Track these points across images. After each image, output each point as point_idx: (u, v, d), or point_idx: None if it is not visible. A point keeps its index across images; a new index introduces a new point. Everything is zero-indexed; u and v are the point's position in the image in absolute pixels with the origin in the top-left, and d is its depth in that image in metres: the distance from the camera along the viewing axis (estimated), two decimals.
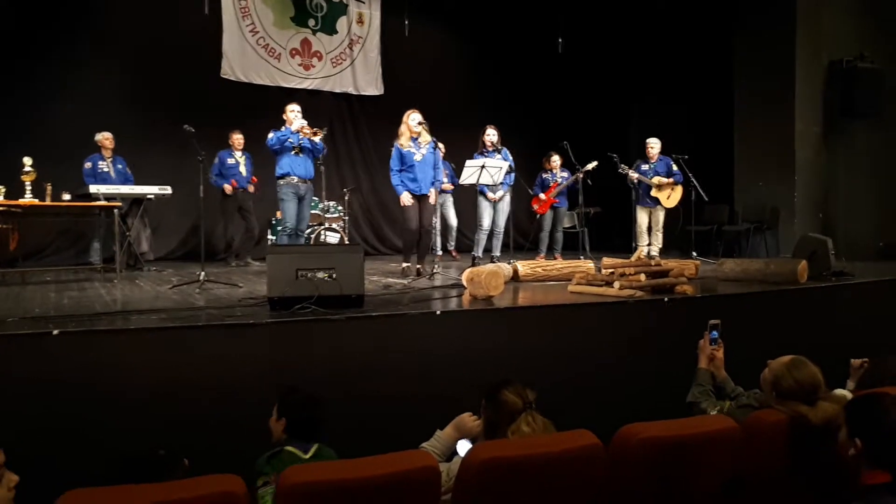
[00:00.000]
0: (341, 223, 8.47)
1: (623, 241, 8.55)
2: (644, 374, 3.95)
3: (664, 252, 7.75)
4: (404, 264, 6.04)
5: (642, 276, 4.68)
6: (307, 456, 2.35)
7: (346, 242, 8.10)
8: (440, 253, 8.22)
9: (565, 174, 8.08)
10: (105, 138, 7.07)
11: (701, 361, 2.99)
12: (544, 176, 8.23)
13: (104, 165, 7.03)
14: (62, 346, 3.03)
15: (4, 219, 6.01)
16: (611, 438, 2.11)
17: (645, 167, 7.78)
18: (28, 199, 5.61)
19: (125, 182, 7.04)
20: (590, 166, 7.66)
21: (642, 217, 7.84)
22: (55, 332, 3.03)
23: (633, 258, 5.36)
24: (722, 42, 8.89)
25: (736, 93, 8.77)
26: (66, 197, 6.15)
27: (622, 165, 7.71)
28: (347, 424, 3.07)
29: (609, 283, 4.68)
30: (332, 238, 8.21)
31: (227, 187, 7.53)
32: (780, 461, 2.24)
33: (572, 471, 2.00)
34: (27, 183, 5.62)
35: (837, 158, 8.45)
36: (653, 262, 5.04)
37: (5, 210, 5.71)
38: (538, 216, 8.16)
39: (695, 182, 7.72)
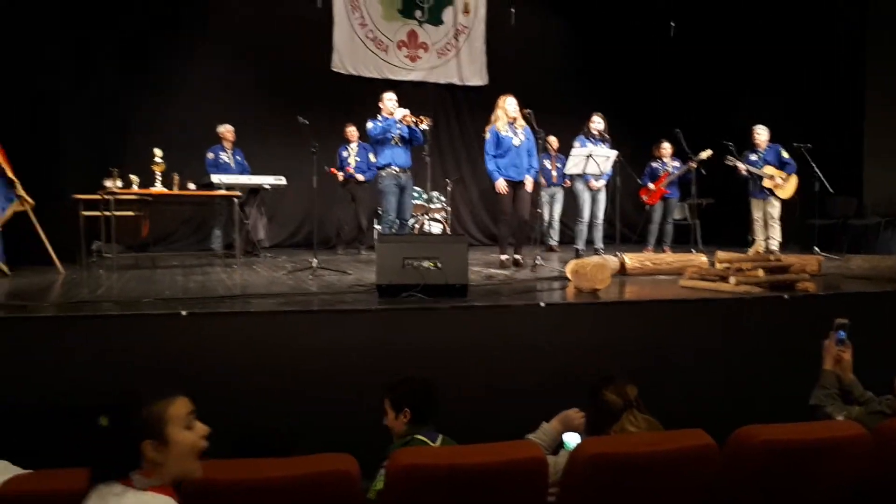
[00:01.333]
0: (444, 213, 8.57)
1: (737, 235, 8.12)
2: (761, 374, 3.76)
3: (783, 246, 7.30)
4: (502, 256, 5.99)
5: (760, 272, 4.44)
6: (435, 444, 2.38)
7: (449, 233, 8.19)
8: (554, 243, 8.19)
9: (676, 163, 7.77)
10: (227, 131, 7.48)
11: (826, 363, 2.80)
12: (654, 165, 7.95)
13: (225, 156, 7.44)
14: (190, 326, 3.26)
15: (138, 207, 6.53)
16: (724, 439, 2.03)
17: (753, 157, 7.34)
18: (158, 188, 6.04)
19: (243, 172, 7.42)
20: (704, 155, 7.33)
21: (756, 209, 7.42)
22: (184, 312, 3.26)
23: (751, 252, 5.10)
24: (853, 28, 8.23)
25: (868, 81, 8.10)
26: (192, 186, 6.57)
27: (728, 157, 7.31)
28: (450, 413, 3.11)
29: (724, 279, 4.48)
30: (435, 228, 8.32)
31: (340, 175, 7.79)
32: None
33: (683, 470, 1.95)
34: (157, 173, 6.04)
35: None
36: (771, 257, 4.77)
37: (138, 198, 6.18)
38: (647, 207, 7.91)
39: (818, 172, 7.22)
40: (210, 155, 7.39)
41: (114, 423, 1.53)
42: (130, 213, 6.57)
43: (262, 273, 5.52)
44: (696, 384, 3.67)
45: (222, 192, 6.46)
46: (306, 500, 1.67)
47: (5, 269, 5.21)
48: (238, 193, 6.46)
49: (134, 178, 5.96)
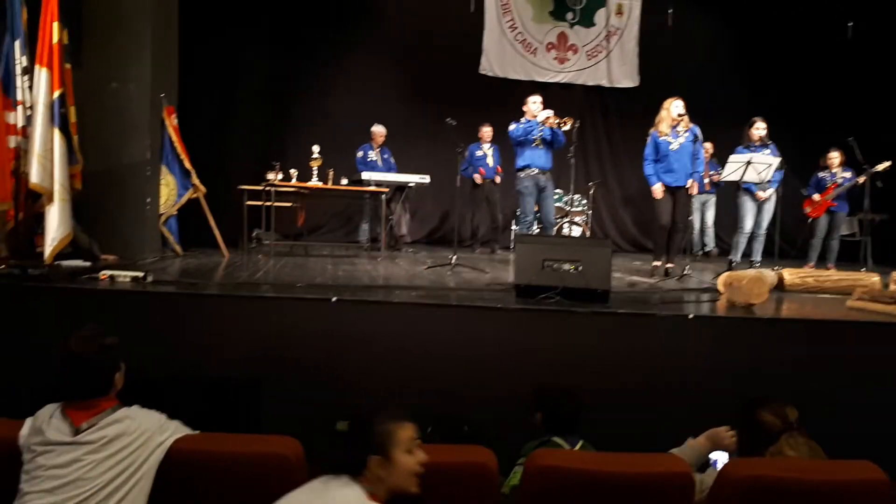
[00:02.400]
0: (584, 217, 8.40)
1: None
2: None
3: None
4: (654, 263, 5.75)
5: None
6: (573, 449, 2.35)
7: (588, 236, 8.02)
8: (710, 249, 7.82)
9: (847, 174, 7.09)
10: (378, 131, 7.80)
11: None
12: (821, 175, 7.31)
13: (373, 154, 7.75)
14: (338, 311, 3.43)
15: (295, 198, 6.98)
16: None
17: None
18: (314, 182, 6.41)
19: (390, 170, 7.70)
20: (881, 166, 6.63)
21: None
22: (333, 299, 3.44)
23: None
24: None
25: None
26: (344, 182, 6.92)
27: None
28: (587, 420, 3.04)
29: None
30: (575, 231, 8.18)
31: (476, 177, 7.86)
32: None
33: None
34: (314, 168, 6.42)
35: None
36: None
37: (296, 191, 6.60)
38: (810, 220, 7.29)
39: None
40: (360, 153, 7.73)
41: (351, 435, 1.75)
42: (288, 204, 7.04)
43: (404, 267, 5.69)
44: (860, 415, 3.33)
45: (371, 188, 6.75)
46: (446, 487, 1.70)
47: (178, 249, 5.76)
48: (385, 190, 6.72)
49: (293, 171, 6.37)
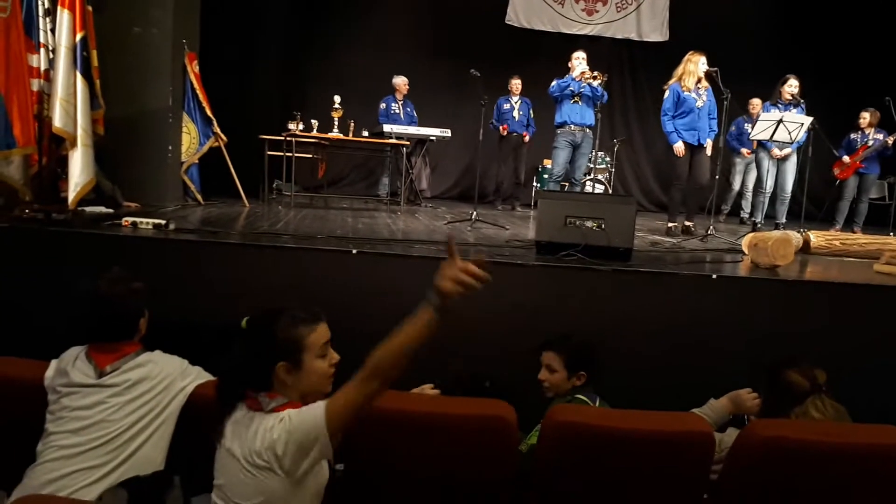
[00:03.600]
0: (607, 174, 8.29)
1: None
2: None
3: None
4: (670, 224, 5.68)
5: None
6: (595, 406, 2.33)
7: (611, 193, 7.92)
8: (745, 215, 7.63)
9: (880, 136, 6.90)
10: (401, 83, 7.67)
11: None
12: (852, 136, 7.11)
13: (396, 107, 7.65)
14: (358, 264, 3.43)
15: (315, 150, 6.93)
16: None
17: None
18: (335, 133, 6.35)
19: (411, 123, 7.61)
20: None
21: None
22: (354, 251, 3.43)
23: None
24: None
25: None
26: (365, 133, 6.85)
27: None
28: (611, 379, 3.03)
29: None
30: (598, 189, 8.07)
31: (503, 129, 7.75)
32: None
33: (870, 469, 1.75)
34: (335, 119, 6.35)
35: None
36: None
37: (316, 142, 6.55)
38: (838, 182, 7.12)
39: None
40: (382, 105, 7.63)
41: (253, 338, 1.59)
42: (309, 155, 7.00)
43: (424, 221, 5.67)
44: (884, 380, 3.29)
45: (392, 141, 6.68)
46: (465, 438, 1.70)
47: (199, 198, 5.77)
48: (406, 143, 6.65)
49: (314, 122, 6.31)
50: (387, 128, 6.85)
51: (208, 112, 5.75)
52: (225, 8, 6.92)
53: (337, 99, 6.34)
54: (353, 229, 4.63)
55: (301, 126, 6.26)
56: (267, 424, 1.50)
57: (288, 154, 6.23)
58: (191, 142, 5.72)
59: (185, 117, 5.66)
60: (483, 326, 3.35)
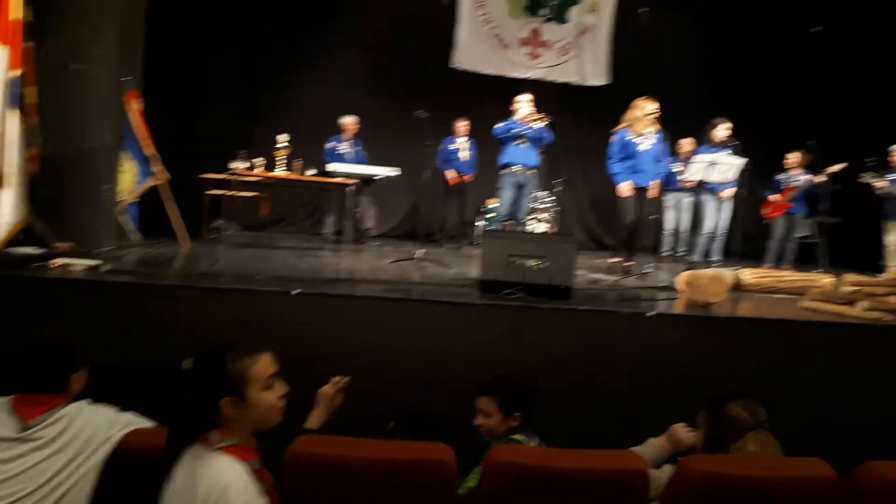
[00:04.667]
0: (551, 214, 8.45)
1: (866, 258, 7.49)
2: (890, 408, 3.44)
3: None
4: (613, 260, 5.83)
5: (894, 299, 4.07)
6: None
7: (555, 233, 8.08)
8: (682, 252, 7.84)
9: (806, 177, 7.27)
10: (349, 122, 7.69)
11: None
12: (779, 177, 7.48)
13: (343, 146, 7.67)
14: (299, 304, 3.39)
15: (260, 188, 6.87)
16: (844, 473, 1.87)
17: (893, 176, 6.74)
18: (279, 172, 6.32)
19: (360, 163, 7.63)
20: (835, 168, 6.81)
21: (891, 233, 6.83)
22: (294, 291, 3.39)
23: (883, 278, 4.69)
24: None
25: None
26: (311, 172, 6.84)
27: (863, 174, 6.74)
28: (549, 417, 3.05)
29: (851, 303, 4.14)
30: (540, 229, 8.23)
31: (450, 174, 7.84)
32: None
33: (799, 501, 1.81)
34: (281, 157, 6.32)
35: None
36: None
37: (260, 181, 6.50)
38: (767, 221, 7.44)
39: None
40: (330, 144, 7.65)
41: (196, 376, 1.56)
42: (252, 194, 6.93)
43: (368, 260, 5.66)
44: (813, 412, 3.42)
45: (336, 180, 6.68)
46: (403, 483, 1.69)
47: (137, 238, 5.63)
48: (350, 182, 6.66)
49: (258, 161, 6.28)
50: (332, 167, 6.86)
51: (150, 150, 5.65)
52: (171, 45, 6.87)
53: (282, 138, 6.33)
54: (295, 269, 4.59)
55: (244, 165, 6.21)
56: (210, 481, 1.45)
57: (230, 193, 6.16)
58: (129, 180, 5.60)
59: (125, 155, 5.54)
60: (426, 366, 3.35)
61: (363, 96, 8.50)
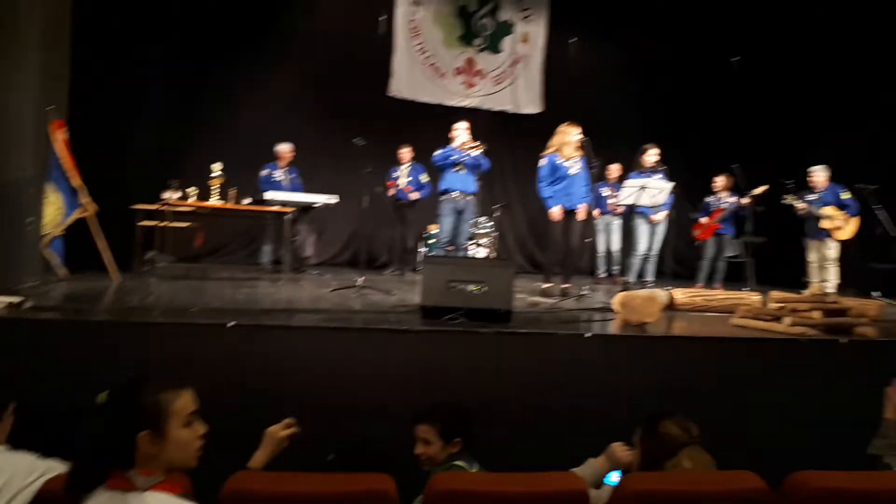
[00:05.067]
0: (490, 239, 8.55)
1: (791, 276, 7.86)
2: (815, 419, 3.59)
3: (840, 290, 7.04)
4: (545, 284, 5.95)
5: (817, 314, 4.28)
6: (474, 471, 2.34)
7: (494, 257, 8.17)
8: (614, 273, 8.04)
9: (732, 199, 7.60)
10: (285, 150, 7.63)
11: (888, 411, 2.66)
12: (708, 200, 7.80)
13: (279, 174, 7.59)
14: (235, 337, 3.31)
15: (193, 218, 6.71)
16: (775, 485, 1.94)
17: (812, 197, 7.14)
18: (213, 201, 6.19)
19: (296, 190, 7.56)
20: (759, 191, 7.15)
21: (812, 251, 7.19)
22: (230, 323, 3.31)
23: (806, 294, 4.92)
24: None
25: None
26: (246, 201, 6.72)
27: (786, 196, 7.12)
28: (489, 439, 3.06)
29: (777, 319, 4.33)
30: (481, 253, 8.31)
31: (391, 191, 7.89)
32: None
33: None
34: (215, 187, 6.20)
35: None
36: (829, 300, 4.60)
37: (194, 211, 6.35)
38: (698, 242, 7.73)
39: (880, 214, 6.95)
40: (265, 172, 7.56)
41: (113, 409, 1.49)
42: (185, 224, 6.76)
43: (308, 289, 5.58)
44: (745, 426, 3.53)
45: (273, 208, 6.60)
46: None
47: (64, 272, 5.40)
48: (288, 210, 6.58)
49: (191, 190, 6.14)
50: (268, 195, 6.77)
51: (76, 181, 5.46)
52: (98, 72, 6.68)
53: (216, 167, 6.22)
54: (231, 300, 4.49)
55: (177, 195, 6.07)
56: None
57: (162, 224, 5.99)
58: (55, 213, 5.38)
59: (50, 187, 5.33)
60: (367, 395, 3.31)
61: (299, 123, 8.46)
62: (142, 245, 6.20)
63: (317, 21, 8.81)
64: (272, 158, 7.66)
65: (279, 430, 2.17)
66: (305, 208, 7.37)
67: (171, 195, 6.04)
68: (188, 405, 1.55)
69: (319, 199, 7.08)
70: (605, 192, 8.02)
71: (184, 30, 8.10)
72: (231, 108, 8.43)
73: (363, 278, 5.50)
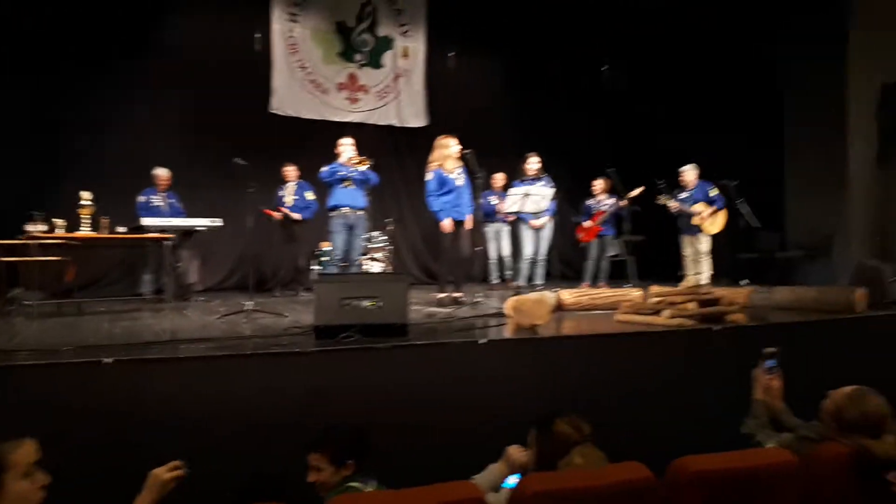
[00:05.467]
0: (385, 253, 8.53)
1: (669, 270, 8.38)
2: (696, 405, 3.82)
3: (713, 280, 7.56)
4: (440, 294, 6.02)
5: (692, 305, 4.56)
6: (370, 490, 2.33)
7: (390, 271, 8.16)
8: (504, 279, 8.18)
9: (611, 201, 8.00)
10: (162, 174, 7.29)
11: (757, 392, 2.88)
12: (589, 203, 8.17)
13: (157, 200, 7.24)
14: (114, 375, 3.10)
15: (62, 251, 6.24)
16: (664, 471, 2.04)
17: (683, 195, 7.66)
18: (85, 231, 5.81)
19: (176, 215, 7.24)
20: (635, 192, 7.58)
21: (686, 245, 7.69)
22: (108, 360, 3.10)
23: (682, 286, 5.24)
24: (769, 66, 8.76)
25: (786, 119, 8.60)
26: (121, 230, 6.35)
27: (659, 196, 7.59)
28: (392, 454, 3.04)
29: (657, 312, 4.58)
30: (375, 268, 8.27)
31: (276, 214, 7.71)
32: (844, 497, 2.13)
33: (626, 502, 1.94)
34: (85, 216, 5.82)
35: (893, 182, 8.18)
36: (702, 291, 4.93)
37: (63, 243, 5.92)
38: (583, 244, 8.07)
39: (743, 208, 7.55)
40: (142, 198, 7.19)
41: None
42: (54, 258, 6.27)
43: (194, 317, 5.34)
44: (633, 417, 3.70)
45: (152, 235, 6.27)
46: None
47: None
48: (170, 236, 6.29)
49: (59, 221, 5.73)
50: (146, 221, 6.44)
51: None
52: None
53: (86, 195, 5.84)
54: (109, 335, 4.21)
55: (43, 227, 5.63)
56: None
57: (28, 259, 5.54)
58: None
59: None
60: (261, 423, 3.20)
61: (178, 146, 8.13)
62: (5, 282, 5.71)
63: (190, 41, 8.48)
64: (148, 184, 7.30)
65: (163, 473, 2.07)
66: (187, 233, 7.06)
67: (37, 228, 5.59)
68: (28, 456, 1.49)
69: (202, 222, 6.82)
70: (493, 200, 8.22)
71: (46, 54, 7.58)
72: (99, 134, 7.94)
73: (252, 302, 5.33)
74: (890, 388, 2.62)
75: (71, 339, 3.98)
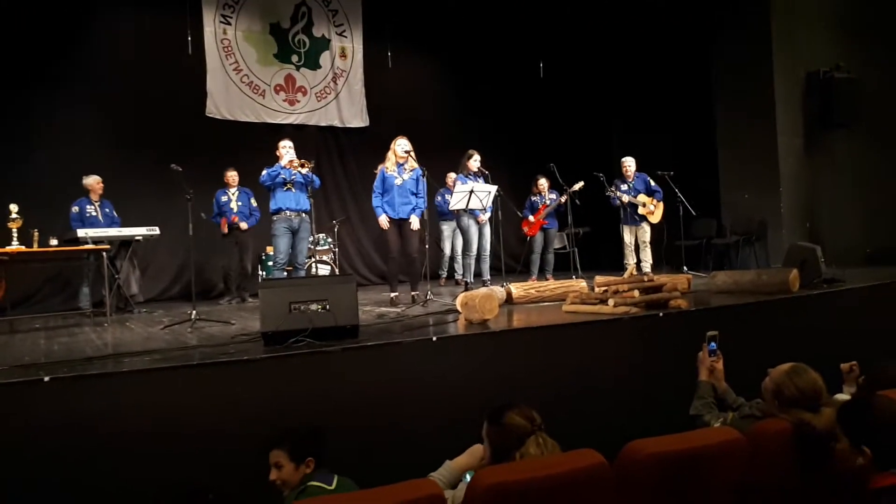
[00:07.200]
0: (332, 255, 8.45)
1: (612, 260, 8.57)
2: (644, 390, 3.93)
3: (655, 268, 7.77)
4: (392, 294, 6.01)
5: (636, 293, 4.68)
6: (332, 487, 2.36)
7: (338, 273, 8.08)
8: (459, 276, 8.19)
9: (553, 196, 8.13)
10: (94, 182, 7.04)
11: (701, 374, 2.97)
12: (533, 199, 8.28)
13: (91, 209, 6.98)
14: (54, 393, 2.98)
15: None
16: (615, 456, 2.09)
17: (625, 186, 7.85)
18: (14, 246, 5.56)
19: (112, 225, 7.00)
20: (576, 186, 7.73)
21: (628, 235, 7.88)
22: (46, 378, 2.98)
23: (625, 275, 5.37)
24: (701, 60, 9.05)
25: (717, 109, 8.90)
26: (54, 242, 6.09)
27: (610, 189, 7.76)
28: (350, 457, 3.02)
29: (603, 301, 4.67)
30: (324, 270, 8.18)
31: (223, 225, 7.54)
32: (787, 470, 2.22)
33: (580, 491, 1.97)
34: (13, 230, 5.57)
35: (821, 168, 8.57)
36: (645, 278, 5.06)
37: None
38: (528, 238, 8.17)
39: (681, 197, 7.78)
40: (75, 209, 6.92)
41: None
42: None
43: (137, 330, 5.18)
44: (585, 405, 3.78)
45: (88, 246, 6.05)
46: None
47: None
48: (107, 247, 6.08)
49: None
50: (81, 232, 6.20)
51: None
52: None
53: (13, 207, 5.59)
54: (46, 352, 4.04)
55: None
56: None
57: None
58: None
59: None
60: (210, 435, 3.12)
61: (110, 154, 7.88)
62: None
63: (120, 44, 8.22)
64: (79, 193, 7.03)
65: None
66: (125, 243, 6.84)
67: None
68: None
69: (139, 231, 6.62)
70: (448, 197, 8.21)
71: None
72: (25, 144, 7.61)
73: (196, 311, 5.20)
74: (825, 363, 2.75)
75: (5, 358, 3.81)
